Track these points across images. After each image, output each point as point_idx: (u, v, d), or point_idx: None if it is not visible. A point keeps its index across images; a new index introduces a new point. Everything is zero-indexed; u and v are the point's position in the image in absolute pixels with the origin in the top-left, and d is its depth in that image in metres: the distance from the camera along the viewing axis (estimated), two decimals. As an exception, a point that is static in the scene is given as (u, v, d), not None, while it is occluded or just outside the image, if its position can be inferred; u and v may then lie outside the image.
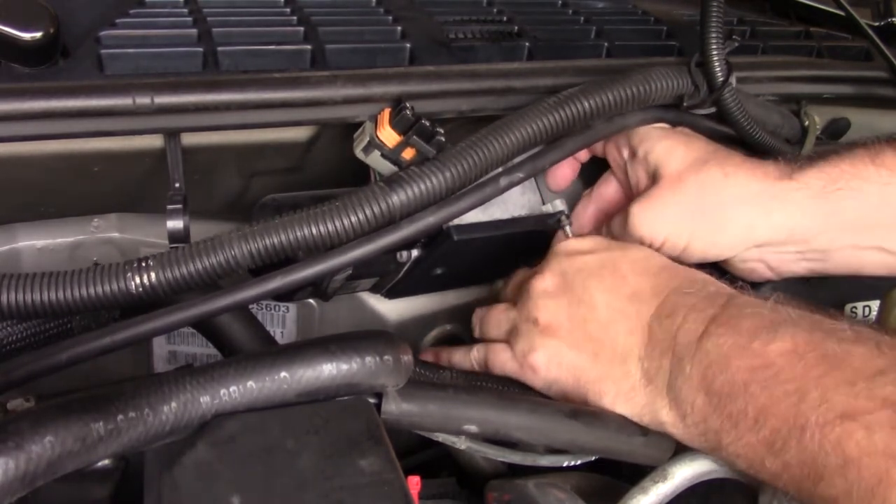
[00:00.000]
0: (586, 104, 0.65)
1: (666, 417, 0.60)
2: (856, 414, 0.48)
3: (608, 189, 0.78)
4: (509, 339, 0.68)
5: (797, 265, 0.71)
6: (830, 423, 0.49)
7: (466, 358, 0.71)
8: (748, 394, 0.54)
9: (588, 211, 0.79)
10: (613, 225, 0.72)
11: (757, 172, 0.69)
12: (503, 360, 0.68)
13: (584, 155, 0.78)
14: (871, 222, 0.67)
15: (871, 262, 0.69)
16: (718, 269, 0.71)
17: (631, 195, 0.75)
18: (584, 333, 0.64)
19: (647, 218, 0.69)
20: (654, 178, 0.71)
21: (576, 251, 0.68)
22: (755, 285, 0.73)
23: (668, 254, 0.69)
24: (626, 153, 0.74)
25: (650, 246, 0.69)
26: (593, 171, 0.79)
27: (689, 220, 0.68)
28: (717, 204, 0.68)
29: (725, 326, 0.57)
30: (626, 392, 0.62)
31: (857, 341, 0.52)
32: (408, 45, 0.69)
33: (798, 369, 0.52)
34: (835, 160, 0.68)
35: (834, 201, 0.67)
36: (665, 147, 0.71)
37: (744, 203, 0.68)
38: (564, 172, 0.77)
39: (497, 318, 0.70)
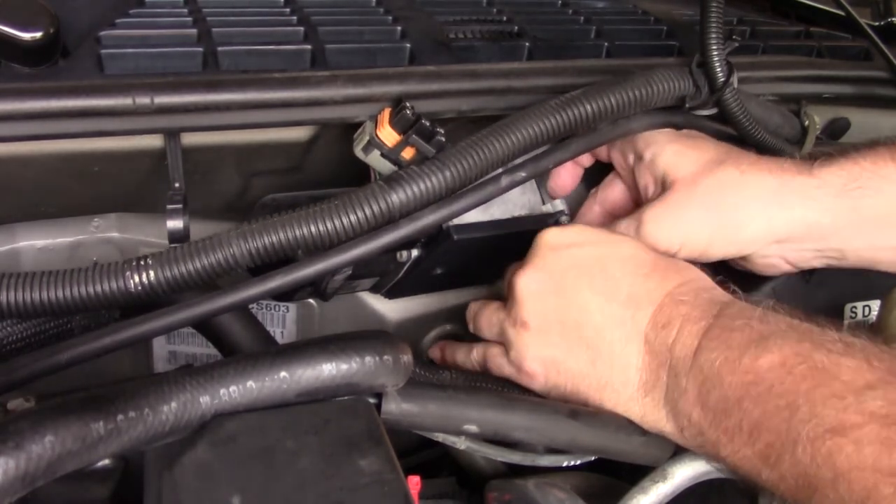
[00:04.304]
0: (588, 107, 0.65)
1: (665, 427, 0.60)
2: (845, 429, 0.48)
3: (613, 192, 0.78)
4: (502, 341, 0.68)
5: (815, 261, 0.70)
6: (821, 437, 0.49)
7: (468, 358, 0.72)
8: (742, 409, 0.54)
9: (593, 211, 0.79)
10: (621, 228, 0.71)
11: (773, 169, 0.68)
12: (499, 365, 0.68)
13: (587, 160, 0.78)
14: (889, 221, 0.67)
15: (887, 260, 0.69)
16: (724, 268, 0.71)
17: (638, 198, 0.75)
18: (578, 339, 0.63)
19: (662, 225, 0.68)
20: (663, 184, 0.70)
21: (561, 244, 0.66)
22: (757, 282, 0.74)
23: (685, 256, 0.68)
24: (631, 158, 0.74)
25: (666, 252, 0.68)
26: (596, 170, 0.79)
27: (708, 223, 0.68)
28: (736, 202, 0.67)
29: (717, 341, 0.57)
30: (626, 401, 0.62)
31: (847, 353, 0.52)
32: (408, 45, 0.69)
33: (787, 383, 0.52)
34: (856, 158, 0.67)
35: (853, 199, 0.66)
36: (673, 151, 0.70)
37: (762, 199, 0.67)
38: (566, 180, 0.77)
39: (488, 319, 0.70)
